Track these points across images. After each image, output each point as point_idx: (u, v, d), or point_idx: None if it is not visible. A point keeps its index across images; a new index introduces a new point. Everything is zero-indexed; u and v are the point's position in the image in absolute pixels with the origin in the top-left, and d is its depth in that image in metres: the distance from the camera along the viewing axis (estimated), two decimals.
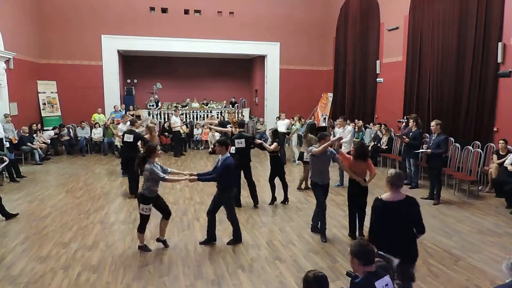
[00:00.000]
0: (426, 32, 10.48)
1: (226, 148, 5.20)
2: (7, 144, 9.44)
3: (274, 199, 7.25)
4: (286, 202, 7.26)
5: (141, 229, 5.10)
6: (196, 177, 5.07)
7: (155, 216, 6.51)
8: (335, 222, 6.20)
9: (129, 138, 7.84)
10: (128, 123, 8.88)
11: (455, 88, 9.47)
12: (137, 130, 8.22)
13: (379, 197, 3.49)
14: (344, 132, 8.58)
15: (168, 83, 18.29)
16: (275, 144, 7.15)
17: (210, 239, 5.36)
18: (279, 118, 13.96)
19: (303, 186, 8.33)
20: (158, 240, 5.30)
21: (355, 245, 2.62)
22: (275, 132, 7.70)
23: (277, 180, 7.24)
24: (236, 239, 5.40)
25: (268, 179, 7.33)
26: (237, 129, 7.52)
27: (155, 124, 13.82)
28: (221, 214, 6.57)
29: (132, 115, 14.15)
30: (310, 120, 12.40)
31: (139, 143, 7.96)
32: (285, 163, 10.89)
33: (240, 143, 6.81)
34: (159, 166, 5.00)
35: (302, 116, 14.33)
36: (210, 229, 5.35)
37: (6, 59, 10.98)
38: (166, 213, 5.23)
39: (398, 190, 3.43)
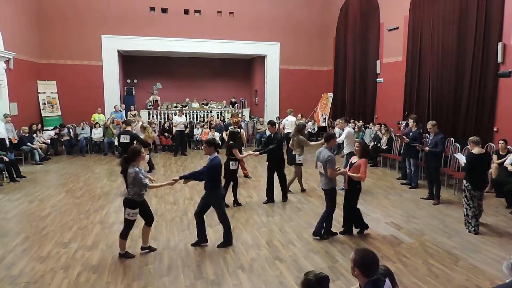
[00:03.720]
0: (426, 32, 10.48)
1: (215, 148, 5.12)
2: (8, 144, 9.44)
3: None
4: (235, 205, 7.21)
5: (125, 235, 4.84)
6: (178, 178, 5.00)
7: (163, 217, 6.52)
8: (335, 222, 6.18)
9: (125, 138, 7.81)
10: (124, 124, 8.68)
11: (455, 88, 9.48)
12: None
13: (471, 151, 5.92)
14: (342, 133, 8.33)
15: (168, 83, 18.29)
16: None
17: (201, 240, 5.28)
18: (279, 117, 13.97)
19: (291, 188, 8.02)
20: (142, 248, 5.06)
21: (360, 255, 2.48)
22: (232, 134, 7.43)
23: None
24: (227, 241, 5.25)
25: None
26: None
27: (155, 124, 13.82)
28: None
29: (134, 115, 14.17)
30: (301, 121, 12.25)
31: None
32: (288, 163, 10.91)
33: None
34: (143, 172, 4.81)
35: (304, 115, 14.36)
36: (199, 231, 5.26)
37: (6, 59, 10.97)
38: (149, 220, 5.01)
39: (480, 147, 5.86)
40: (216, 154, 5.10)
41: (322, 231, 5.56)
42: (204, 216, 5.29)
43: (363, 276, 2.44)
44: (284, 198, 7.42)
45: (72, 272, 4.52)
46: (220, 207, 5.25)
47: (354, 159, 5.62)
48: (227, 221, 5.28)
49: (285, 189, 7.44)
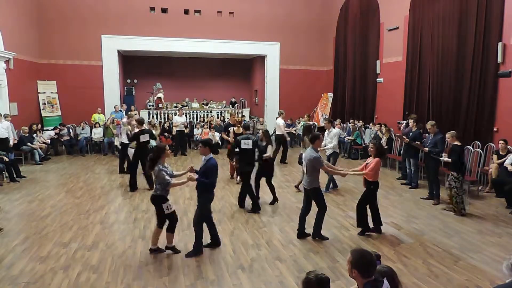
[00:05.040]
0: (426, 32, 10.48)
1: (210, 148, 5.03)
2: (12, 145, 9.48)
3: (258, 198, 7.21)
4: (276, 202, 7.24)
5: (172, 228, 4.99)
6: (195, 177, 4.89)
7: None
8: (335, 222, 6.20)
9: (145, 138, 8.09)
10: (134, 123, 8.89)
11: (455, 88, 9.48)
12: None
13: (455, 143, 6.55)
14: (329, 135, 8.15)
15: (168, 83, 18.29)
16: (269, 147, 7.20)
17: (215, 243, 5.25)
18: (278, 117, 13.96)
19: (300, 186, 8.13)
20: (151, 251, 5.06)
21: (357, 256, 2.44)
22: (266, 133, 7.49)
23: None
24: (196, 251, 4.99)
25: (255, 179, 7.26)
26: (241, 129, 8.08)
27: (154, 124, 13.82)
28: (220, 215, 6.59)
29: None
30: (305, 122, 12.27)
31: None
32: (284, 162, 11.01)
33: (247, 144, 6.86)
34: (168, 169, 4.94)
35: (302, 116, 14.35)
36: (211, 233, 5.22)
37: (6, 59, 10.97)
38: (163, 222, 5.03)
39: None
40: (211, 155, 5.02)
41: (321, 232, 5.55)
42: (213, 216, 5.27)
43: (361, 276, 2.42)
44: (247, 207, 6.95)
45: (72, 272, 4.52)
46: (204, 209, 5.03)
47: (369, 159, 5.69)
48: (201, 228, 5.02)
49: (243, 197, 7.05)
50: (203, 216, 5.04)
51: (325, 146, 8.08)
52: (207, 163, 4.94)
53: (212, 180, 4.97)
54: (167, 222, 5.06)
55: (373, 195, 5.70)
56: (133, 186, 8.12)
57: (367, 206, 5.76)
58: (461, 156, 6.62)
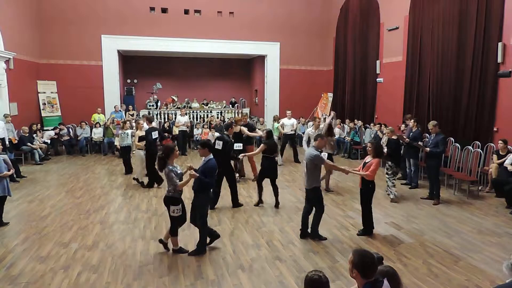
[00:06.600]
0: (426, 32, 10.48)
1: (209, 149, 5.06)
2: (8, 145, 9.47)
3: (260, 201, 7.17)
4: (277, 207, 7.04)
5: (174, 232, 4.96)
6: (197, 174, 4.88)
7: (163, 217, 6.53)
8: (335, 222, 6.20)
9: (155, 135, 8.25)
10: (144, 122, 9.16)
11: (455, 88, 9.48)
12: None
13: (392, 138, 7.42)
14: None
15: (168, 83, 18.29)
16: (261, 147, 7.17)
17: (213, 237, 5.24)
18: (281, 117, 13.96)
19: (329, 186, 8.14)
20: (160, 241, 5.15)
21: (358, 257, 2.43)
22: (269, 133, 7.44)
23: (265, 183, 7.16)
24: (199, 250, 4.99)
25: (257, 181, 7.26)
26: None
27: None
28: (220, 215, 6.59)
29: (132, 115, 14.17)
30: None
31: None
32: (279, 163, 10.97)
33: (219, 145, 6.93)
34: (178, 169, 4.93)
35: (302, 116, 14.36)
36: (208, 232, 5.19)
37: (6, 59, 10.97)
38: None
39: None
40: (211, 156, 5.04)
41: (318, 233, 5.54)
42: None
43: (361, 277, 2.42)
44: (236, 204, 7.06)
45: (72, 272, 4.52)
46: (203, 209, 5.05)
47: (367, 159, 5.66)
48: (206, 228, 5.06)
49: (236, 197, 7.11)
50: (203, 216, 5.02)
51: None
52: (206, 164, 4.95)
53: (211, 181, 4.98)
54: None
55: (371, 193, 5.68)
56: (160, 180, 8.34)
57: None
58: (398, 150, 7.53)
